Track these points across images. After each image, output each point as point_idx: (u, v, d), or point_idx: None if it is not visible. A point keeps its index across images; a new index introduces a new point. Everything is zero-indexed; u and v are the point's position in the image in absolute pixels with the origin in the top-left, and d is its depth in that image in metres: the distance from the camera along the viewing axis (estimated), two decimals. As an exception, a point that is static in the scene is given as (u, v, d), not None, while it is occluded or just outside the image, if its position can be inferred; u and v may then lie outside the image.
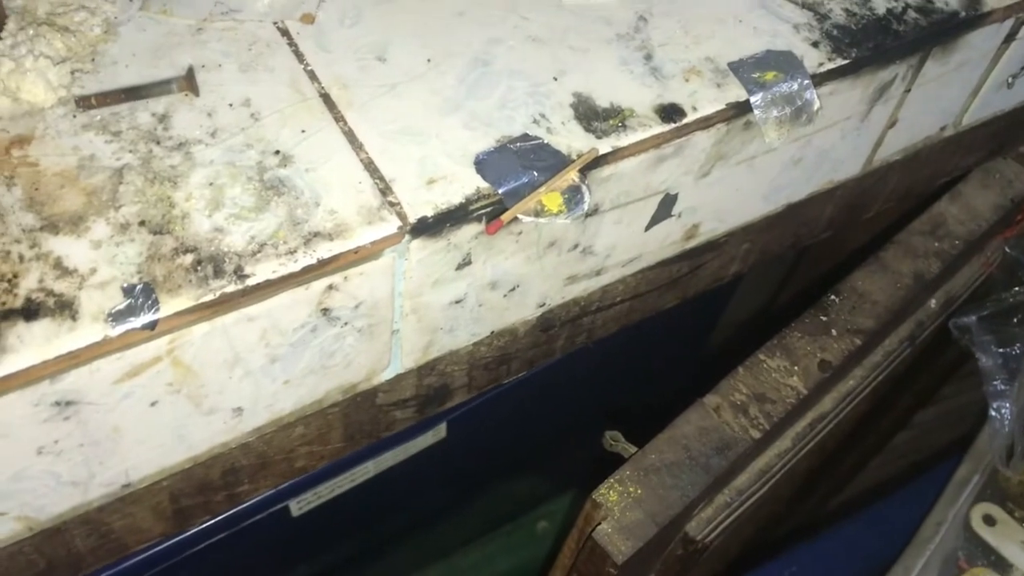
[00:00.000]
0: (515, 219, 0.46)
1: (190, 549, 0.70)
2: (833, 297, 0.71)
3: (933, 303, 0.84)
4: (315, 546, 0.90)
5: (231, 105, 0.47)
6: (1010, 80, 0.69)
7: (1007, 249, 0.94)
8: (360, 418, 0.55)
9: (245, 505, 0.71)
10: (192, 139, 0.45)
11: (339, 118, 0.47)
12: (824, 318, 0.70)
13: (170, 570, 0.71)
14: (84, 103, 0.45)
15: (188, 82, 0.46)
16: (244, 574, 0.85)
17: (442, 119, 0.48)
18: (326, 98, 0.48)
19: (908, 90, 0.62)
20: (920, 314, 0.83)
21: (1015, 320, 0.97)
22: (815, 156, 0.61)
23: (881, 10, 0.58)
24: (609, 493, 0.61)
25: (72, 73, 0.46)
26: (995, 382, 0.96)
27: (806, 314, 0.70)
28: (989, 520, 0.88)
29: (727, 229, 0.62)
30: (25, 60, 0.45)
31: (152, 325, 0.40)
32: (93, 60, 0.47)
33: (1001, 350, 0.98)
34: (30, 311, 0.39)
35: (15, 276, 0.40)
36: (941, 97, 0.65)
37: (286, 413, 0.50)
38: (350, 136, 0.47)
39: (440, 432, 0.85)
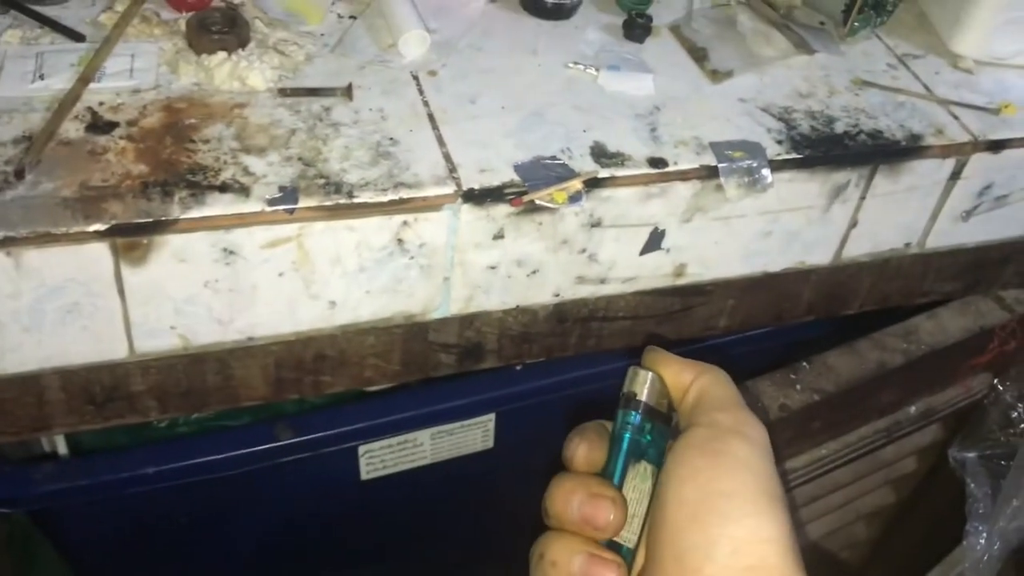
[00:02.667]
0: (532, 202, 0.69)
1: (274, 459, 0.92)
2: (804, 364, 0.90)
3: (913, 410, 0.99)
4: (377, 520, 1.09)
5: (370, 109, 0.73)
6: (964, 215, 0.88)
7: (999, 387, 1.09)
8: (414, 347, 0.78)
9: (322, 435, 0.94)
10: (341, 122, 0.71)
11: (435, 128, 0.73)
12: (792, 376, 0.88)
13: (256, 474, 0.92)
14: (282, 92, 0.72)
15: (347, 92, 0.73)
16: (316, 525, 1.06)
17: (500, 140, 0.73)
18: (431, 116, 0.74)
19: (864, 197, 0.82)
20: (899, 415, 0.99)
21: (1004, 462, 1.11)
22: (784, 233, 0.82)
23: (839, 130, 0.80)
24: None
25: (279, 77, 0.74)
26: (977, 505, 1.08)
27: (779, 371, 0.89)
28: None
29: (711, 277, 0.83)
30: (254, 64, 0.73)
31: (291, 211, 0.65)
32: (294, 72, 0.75)
33: (990, 482, 1.11)
34: (224, 187, 0.65)
35: (219, 169, 0.66)
36: (899, 213, 0.85)
37: (363, 320, 0.74)
38: (439, 138, 0.72)
39: (488, 440, 1.06)
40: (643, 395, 0.47)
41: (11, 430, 0.72)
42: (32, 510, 0.90)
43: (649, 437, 0.47)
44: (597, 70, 0.80)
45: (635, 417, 0.47)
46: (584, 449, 0.48)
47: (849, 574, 1.27)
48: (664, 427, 0.48)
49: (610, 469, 0.47)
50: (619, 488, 0.46)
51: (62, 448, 0.92)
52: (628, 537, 0.46)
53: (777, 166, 0.76)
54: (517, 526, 1.04)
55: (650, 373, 0.48)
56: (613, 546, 0.45)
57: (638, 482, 0.47)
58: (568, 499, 0.46)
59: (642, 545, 0.46)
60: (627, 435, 0.47)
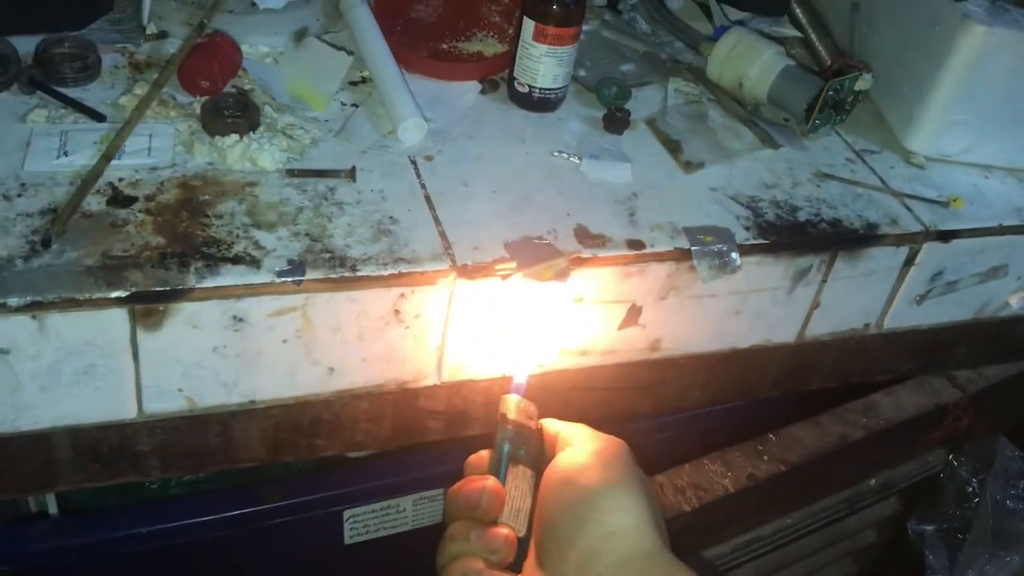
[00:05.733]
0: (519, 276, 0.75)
1: (262, 521, 0.95)
2: (771, 436, 0.95)
3: (873, 482, 1.05)
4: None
5: (372, 190, 0.79)
6: (918, 299, 0.94)
7: (954, 462, 1.15)
8: (405, 413, 0.82)
9: (309, 498, 0.98)
10: (345, 201, 0.77)
11: (431, 208, 0.78)
12: (760, 447, 0.94)
13: (245, 536, 0.95)
14: (290, 173, 0.78)
15: (350, 173, 0.79)
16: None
17: (491, 220, 0.79)
18: (427, 198, 0.79)
19: (825, 280, 0.88)
20: (861, 487, 1.04)
21: (960, 535, 1.16)
22: (752, 313, 0.88)
23: (802, 218, 0.87)
24: (567, 517, 0.84)
25: (287, 158, 0.79)
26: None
27: (748, 442, 0.94)
28: None
29: (684, 352, 0.89)
30: (264, 146, 0.79)
31: (299, 282, 0.70)
32: (301, 154, 0.80)
33: (948, 554, 1.16)
34: (236, 259, 0.70)
35: (232, 242, 0.71)
36: (858, 296, 0.92)
37: (359, 386, 0.78)
38: (436, 218, 0.77)
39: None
40: (512, 415, 0.65)
41: (18, 487, 0.75)
42: (24, 568, 0.92)
43: (524, 452, 0.63)
44: (580, 159, 0.87)
45: (509, 431, 0.64)
46: (475, 460, 0.64)
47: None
48: (537, 441, 0.65)
49: (492, 468, 0.62)
50: (503, 483, 0.60)
51: (52, 507, 0.95)
52: (518, 528, 0.59)
53: (745, 250, 0.83)
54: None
55: (515, 397, 0.66)
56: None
57: (519, 481, 0.61)
58: (455, 491, 0.60)
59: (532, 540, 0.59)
60: (505, 446, 0.63)
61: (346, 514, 1.01)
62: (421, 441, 0.86)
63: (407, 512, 1.05)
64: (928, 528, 1.17)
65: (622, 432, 1.07)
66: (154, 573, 0.96)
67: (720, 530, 0.93)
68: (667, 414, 1.05)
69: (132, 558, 0.92)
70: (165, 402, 0.73)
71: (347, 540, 1.04)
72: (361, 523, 1.03)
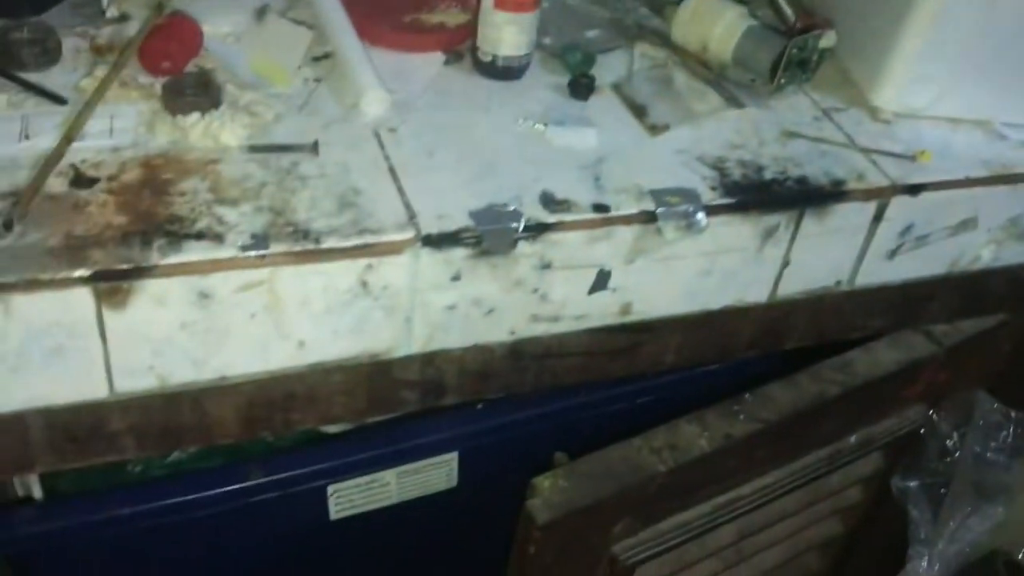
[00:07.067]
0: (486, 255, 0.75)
1: (246, 499, 0.96)
2: (747, 396, 0.95)
3: (853, 439, 1.05)
4: (347, 560, 1.12)
5: (335, 163, 0.79)
6: (889, 254, 0.95)
7: (935, 417, 1.15)
8: (379, 385, 0.83)
9: (292, 474, 0.98)
10: (308, 175, 0.77)
11: (396, 179, 0.78)
12: (736, 407, 0.94)
13: (229, 515, 0.96)
14: (253, 149, 0.78)
15: (313, 148, 0.79)
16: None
17: (456, 190, 0.79)
18: (391, 169, 0.80)
19: (794, 239, 0.89)
20: (840, 444, 1.04)
21: (943, 490, 1.16)
22: (722, 274, 0.88)
23: (768, 177, 0.87)
24: (544, 482, 0.85)
25: (250, 135, 0.80)
26: (919, 530, 1.14)
27: (724, 402, 0.94)
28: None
29: (656, 315, 0.89)
30: (226, 123, 0.79)
31: (263, 256, 0.70)
32: (264, 130, 0.81)
33: (931, 508, 1.17)
34: (199, 235, 0.70)
35: (195, 219, 0.71)
36: (827, 253, 0.92)
37: (331, 359, 0.79)
38: (399, 189, 0.78)
39: (452, 479, 1.10)
40: None
41: (-5, 470, 0.76)
42: (10, 552, 0.93)
43: None
44: (545, 126, 0.87)
45: None
46: None
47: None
48: None
49: None
50: None
51: (37, 491, 0.95)
52: None
53: (711, 211, 0.83)
54: (484, 565, 1.08)
55: None
56: None
57: None
58: None
59: None
60: None
61: (330, 489, 1.01)
62: (398, 412, 0.87)
63: (391, 485, 1.05)
64: (911, 484, 1.18)
65: (601, 397, 1.09)
66: (139, 554, 0.97)
67: (699, 490, 0.94)
68: (644, 378, 1.05)
69: (117, 540, 0.92)
70: (136, 380, 0.73)
71: (333, 516, 1.04)
72: (346, 498, 1.04)
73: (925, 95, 0.96)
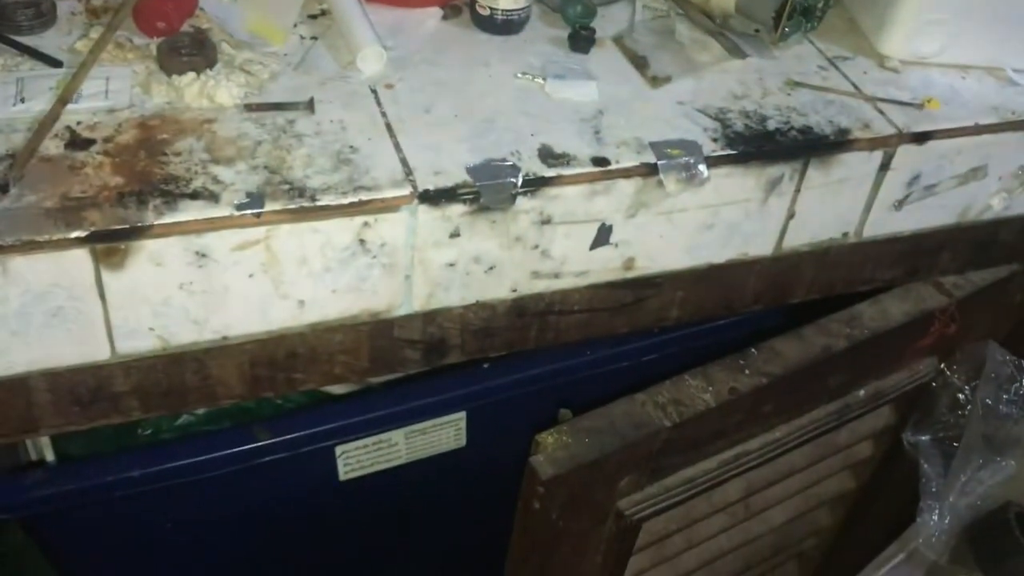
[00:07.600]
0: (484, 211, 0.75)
1: (254, 459, 0.96)
2: (753, 350, 0.95)
3: (862, 393, 1.05)
4: (356, 521, 1.13)
5: (331, 121, 0.78)
6: (896, 204, 0.93)
7: (946, 371, 1.14)
8: (381, 344, 0.83)
9: (299, 434, 0.99)
10: (304, 133, 0.77)
11: (392, 136, 0.78)
12: (741, 361, 0.94)
13: (237, 476, 0.97)
14: (248, 108, 0.78)
15: (309, 105, 0.79)
16: (290, 531, 1.10)
17: (454, 145, 0.78)
18: (388, 126, 0.79)
19: (798, 190, 0.88)
20: (849, 398, 1.04)
21: (955, 443, 1.16)
22: (725, 226, 0.87)
23: (771, 127, 0.85)
24: (548, 438, 0.85)
25: (245, 94, 0.79)
26: (930, 484, 1.13)
27: (729, 357, 0.94)
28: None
29: (659, 270, 0.88)
30: (221, 82, 0.78)
31: (258, 214, 0.70)
32: (259, 89, 0.80)
33: (943, 462, 1.16)
34: (195, 194, 0.70)
35: (190, 179, 0.71)
36: (834, 204, 0.91)
37: (331, 318, 0.78)
38: (396, 145, 0.77)
39: (461, 439, 1.10)
40: None
41: (2, 432, 0.76)
42: (23, 516, 0.94)
43: None
44: (544, 79, 0.86)
45: None
46: None
47: (816, 561, 1.32)
48: None
49: None
50: None
51: (49, 455, 0.96)
52: None
53: (713, 162, 0.82)
54: (493, 524, 1.09)
55: None
56: None
57: None
58: None
59: None
60: None
61: (338, 450, 1.02)
62: (402, 372, 0.87)
63: (400, 446, 1.05)
64: (923, 438, 1.17)
65: (608, 354, 1.08)
66: (149, 516, 0.98)
67: (705, 445, 0.94)
68: (649, 335, 1.05)
69: (127, 502, 0.93)
70: (137, 341, 0.73)
71: (341, 476, 1.05)
72: (354, 459, 1.04)
73: (933, 42, 0.94)
